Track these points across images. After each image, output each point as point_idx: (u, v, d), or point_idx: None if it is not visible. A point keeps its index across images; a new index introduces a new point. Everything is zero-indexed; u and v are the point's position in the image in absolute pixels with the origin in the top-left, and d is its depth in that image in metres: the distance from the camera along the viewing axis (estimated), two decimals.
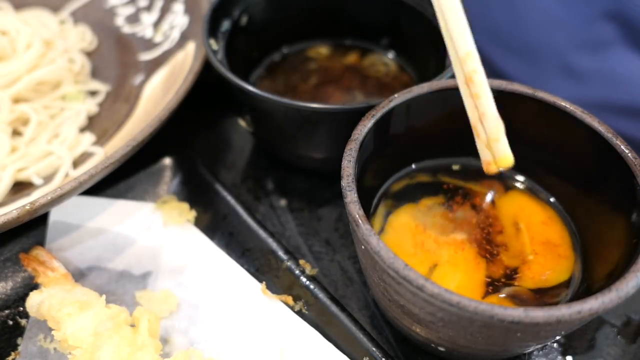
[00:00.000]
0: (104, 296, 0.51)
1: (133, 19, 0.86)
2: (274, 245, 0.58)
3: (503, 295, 0.48)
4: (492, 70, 0.93)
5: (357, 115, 0.49)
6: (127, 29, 0.85)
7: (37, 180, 0.65)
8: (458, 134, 0.56)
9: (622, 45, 0.77)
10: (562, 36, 0.81)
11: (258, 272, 0.57)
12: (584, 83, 0.82)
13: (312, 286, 0.55)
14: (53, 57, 0.74)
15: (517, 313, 0.36)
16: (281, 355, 0.51)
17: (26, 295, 0.53)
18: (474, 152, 0.58)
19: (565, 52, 0.82)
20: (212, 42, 0.65)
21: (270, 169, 0.72)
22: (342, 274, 0.61)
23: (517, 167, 0.57)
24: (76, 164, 0.67)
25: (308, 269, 0.56)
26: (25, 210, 0.51)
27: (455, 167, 0.58)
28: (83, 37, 0.84)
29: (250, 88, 0.57)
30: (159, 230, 0.61)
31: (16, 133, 0.69)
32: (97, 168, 0.55)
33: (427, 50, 0.70)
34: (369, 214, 0.54)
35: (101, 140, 0.70)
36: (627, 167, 0.45)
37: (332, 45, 0.79)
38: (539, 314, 0.36)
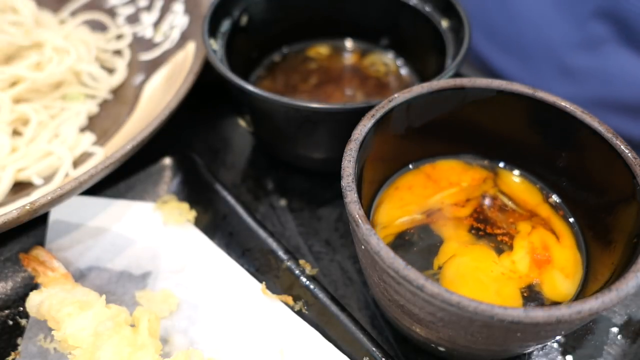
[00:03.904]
0: (104, 296, 0.51)
1: (133, 19, 0.86)
2: (274, 245, 0.58)
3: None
4: (487, 69, 0.93)
5: (357, 115, 0.49)
6: (127, 29, 0.85)
7: (37, 180, 0.65)
8: (458, 133, 0.56)
9: (615, 43, 0.77)
10: (556, 35, 0.82)
11: (258, 272, 0.57)
12: (579, 81, 0.82)
13: (312, 286, 0.55)
14: (53, 58, 0.74)
15: (517, 313, 0.36)
16: (281, 355, 0.51)
17: (26, 295, 0.53)
18: (474, 152, 0.58)
19: (560, 51, 0.82)
20: (212, 42, 0.65)
21: (270, 169, 0.72)
22: (342, 274, 0.61)
23: (518, 166, 0.57)
24: (76, 164, 0.67)
25: (308, 269, 0.56)
26: (25, 210, 0.51)
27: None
28: (83, 37, 0.83)
29: (250, 88, 0.57)
30: (159, 230, 0.61)
31: (16, 133, 0.69)
32: (97, 168, 0.55)
33: (427, 50, 0.70)
34: (369, 214, 0.54)
35: (101, 140, 0.70)
36: (627, 167, 0.45)
37: (332, 45, 0.79)
38: (539, 314, 0.36)
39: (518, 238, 0.51)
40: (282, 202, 0.68)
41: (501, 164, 0.58)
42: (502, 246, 0.51)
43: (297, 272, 0.56)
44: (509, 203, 0.54)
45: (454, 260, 0.50)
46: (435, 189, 0.56)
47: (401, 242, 0.52)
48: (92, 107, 0.74)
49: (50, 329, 0.50)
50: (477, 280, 0.49)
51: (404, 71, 0.76)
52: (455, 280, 0.49)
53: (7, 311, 0.55)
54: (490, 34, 0.90)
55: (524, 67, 0.88)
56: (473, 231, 0.52)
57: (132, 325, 0.50)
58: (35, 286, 0.55)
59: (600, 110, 0.81)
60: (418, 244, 0.52)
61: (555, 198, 0.55)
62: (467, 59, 0.62)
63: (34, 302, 0.51)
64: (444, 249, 0.51)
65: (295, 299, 0.54)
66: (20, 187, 0.65)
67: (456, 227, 0.53)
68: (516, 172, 0.57)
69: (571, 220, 0.53)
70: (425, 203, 0.55)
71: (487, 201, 0.54)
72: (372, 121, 0.49)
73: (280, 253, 0.57)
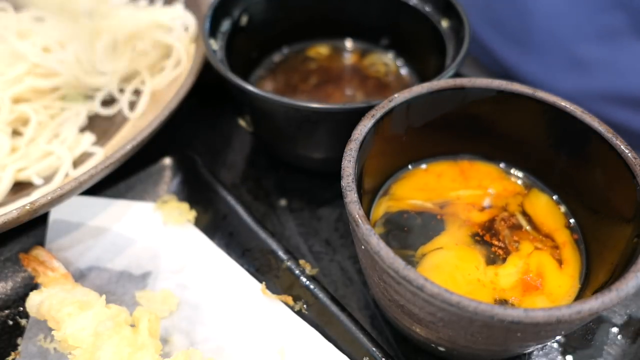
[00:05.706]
0: (104, 296, 0.51)
1: None
2: (274, 245, 0.58)
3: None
4: (495, 61, 0.92)
5: (357, 115, 0.49)
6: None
7: (37, 180, 0.65)
8: (458, 133, 0.56)
9: (631, 34, 0.75)
10: (568, 27, 0.80)
11: (258, 272, 0.57)
12: (590, 73, 0.81)
13: (312, 286, 0.55)
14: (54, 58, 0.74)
15: (517, 313, 0.36)
16: (281, 355, 0.51)
17: (26, 295, 0.53)
18: (474, 152, 0.58)
19: (571, 43, 0.81)
20: (212, 42, 0.65)
21: (270, 169, 0.72)
22: (342, 274, 0.61)
23: (519, 166, 0.57)
24: (76, 164, 0.67)
25: (308, 269, 0.56)
26: (25, 210, 0.51)
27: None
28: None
29: (250, 88, 0.57)
30: (159, 230, 0.61)
31: (16, 133, 0.69)
32: (97, 168, 0.55)
33: (427, 50, 0.70)
34: (369, 214, 0.54)
35: (101, 140, 0.70)
36: (627, 167, 0.45)
37: (332, 45, 0.79)
38: (539, 314, 0.36)
39: (514, 256, 0.51)
40: (282, 202, 0.68)
41: (508, 167, 0.58)
42: (495, 258, 0.51)
43: (297, 272, 0.56)
44: (524, 224, 0.53)
45: (437, 252, 0.50)
46: (462, 185, 0.56)
47: (400, 219, 0.53)
48: (92, 107, 0.74)
49: (50, 329, 0.50)
50: (451, 276, 0.49)
51: (404, 71, 0.76)
52: (430, 270, 0.49)
53: (7, 311, 0.55)
54: (498, 27, 0.88)
55: (532, 59, 0.86)
56: (473, 235, 0.52)
57: (132, 325, 0.50)
58: (35, 286, 0.55)
59: (611, 104, 0.80)
60: (415, 227, 0.53)
61: (556, 198, 0.55)
62: (467, 58, 0.62)
63: (34, 302, 0.51)
64: (436, 241, 0.51)
65: (295, 299, 0.54)
66: (20, 187, 0.65)
67: (460, 227, 0.53)
68: (518, 173, 0.57)
69: (572, 220, 0.53)
70: (445, 194, 0.55)
71: (503, 214, 0.54)
72: (372, 121, 0.49)
73: (280, 253, 0.57)
